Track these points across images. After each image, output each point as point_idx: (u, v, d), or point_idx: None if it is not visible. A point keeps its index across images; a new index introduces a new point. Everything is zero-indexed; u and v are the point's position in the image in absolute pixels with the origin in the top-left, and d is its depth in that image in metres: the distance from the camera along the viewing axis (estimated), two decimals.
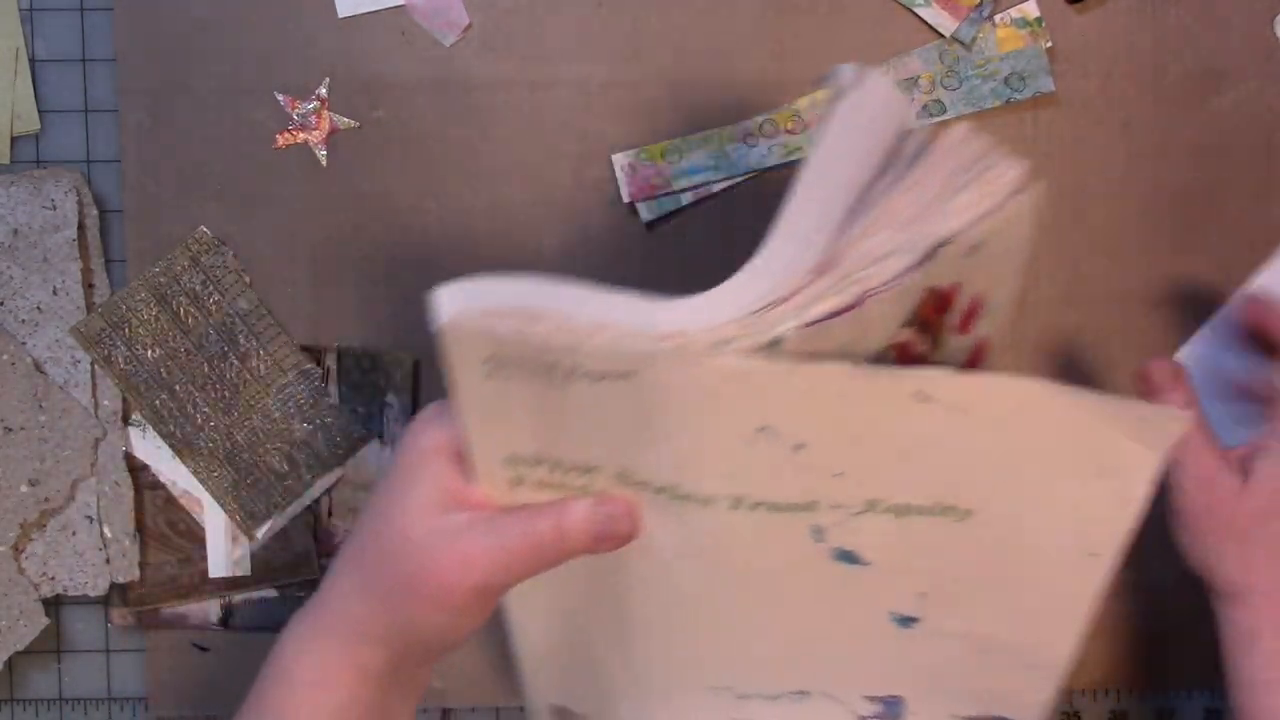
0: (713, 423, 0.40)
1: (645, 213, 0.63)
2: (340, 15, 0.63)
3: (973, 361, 0.45)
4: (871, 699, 0.48)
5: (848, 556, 0.43)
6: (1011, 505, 0.42)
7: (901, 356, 0.42)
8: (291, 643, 0.47)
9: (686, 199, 0.63)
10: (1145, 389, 0.52)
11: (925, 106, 0.63)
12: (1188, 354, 0.65)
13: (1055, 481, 0.41)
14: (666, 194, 0.63)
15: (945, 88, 0.63)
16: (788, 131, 0.63)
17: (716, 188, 0.63)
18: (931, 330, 0.42)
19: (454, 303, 0.39)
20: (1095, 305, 0.65)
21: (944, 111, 0.63)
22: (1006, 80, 0.63)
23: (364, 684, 0.45)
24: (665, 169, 0.63)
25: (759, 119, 0.63)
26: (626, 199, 0.63)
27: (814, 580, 0.44)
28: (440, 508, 0.43)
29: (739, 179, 0.63)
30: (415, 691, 0.49)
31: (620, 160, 0.63)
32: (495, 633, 0.67)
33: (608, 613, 0.47)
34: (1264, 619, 0.51)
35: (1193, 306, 0.65)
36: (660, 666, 0.48)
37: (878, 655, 0.47)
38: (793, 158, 0.63)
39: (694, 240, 0.64)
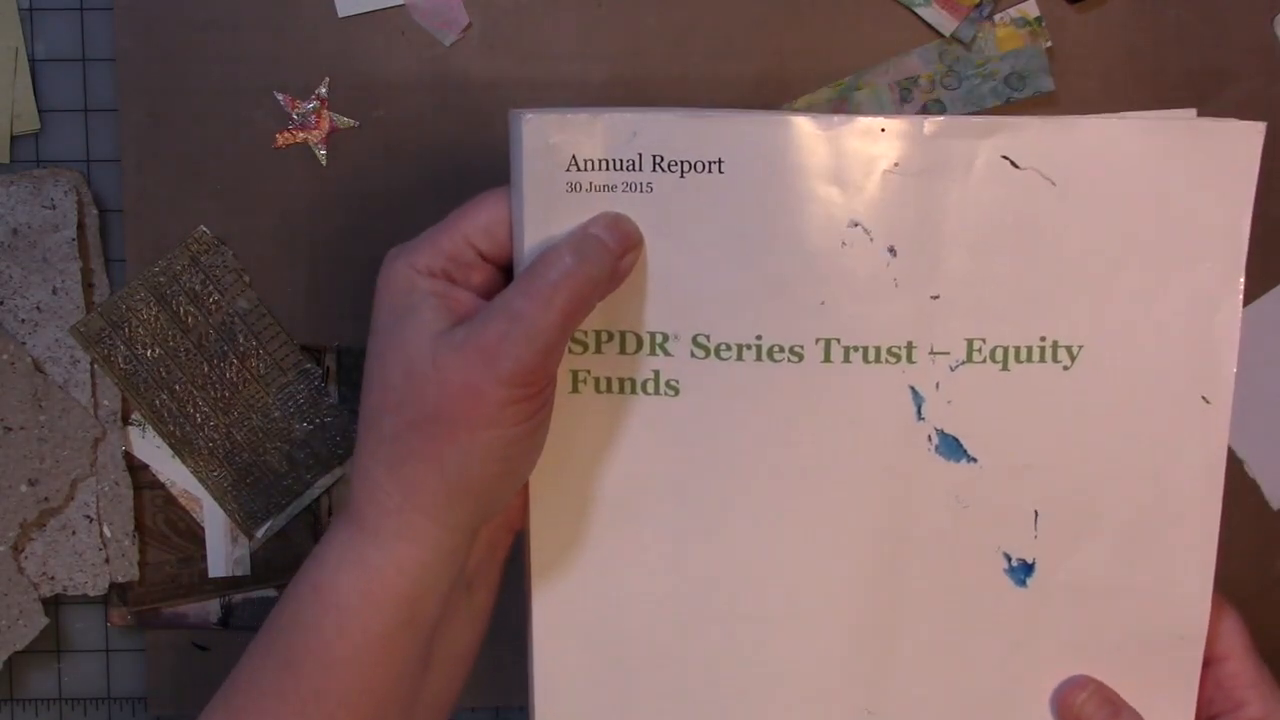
0: (804, 214, 0.38)
1: None
2: (340, 15, 0.63)
3: None
4: None
5: (951, 446, 0.40)
6: (1117, 330, 0.39)
7: None
8: (318, 561, 0.39)
9: None
10: None
11: (925, 106, 0.63)
12: None
13: (1156, 272, 0.39)
14: None
15: (945, 87, 0.63)
16: None
17: None
18: None
19: (538, 114, 0.37)
20: None
21: (944, 111, 0.63)
22: (1006, 80, 0.63)
23: (418, 600, 0.39)
24: None
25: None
26: None
27: (917, 503, 0.40)
28: (442, 325, 0.38)
29: None
30: (479, 613, 0.42)
31: None
32: (495, 633, 0.67)
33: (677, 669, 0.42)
34: None
35: None
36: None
37: (995, 647, 0.42)
38: None
39: None
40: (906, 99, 0.63)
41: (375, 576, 0.38)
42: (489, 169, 0.64)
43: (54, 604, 0.64)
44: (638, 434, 0.40)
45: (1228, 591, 0.66)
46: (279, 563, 0.65)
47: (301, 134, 0.63)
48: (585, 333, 0.40)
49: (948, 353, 0.39)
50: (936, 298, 0.39)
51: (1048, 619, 0.41)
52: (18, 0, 0.63)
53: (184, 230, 0.63)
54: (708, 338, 0.39)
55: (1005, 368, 0.40)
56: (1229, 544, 0.66)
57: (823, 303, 0.39)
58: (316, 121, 0.63)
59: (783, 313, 0.39)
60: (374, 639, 0.38)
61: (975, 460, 0.40)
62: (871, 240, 0.38)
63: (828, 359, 0.39)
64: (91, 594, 0.63)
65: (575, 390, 0.40)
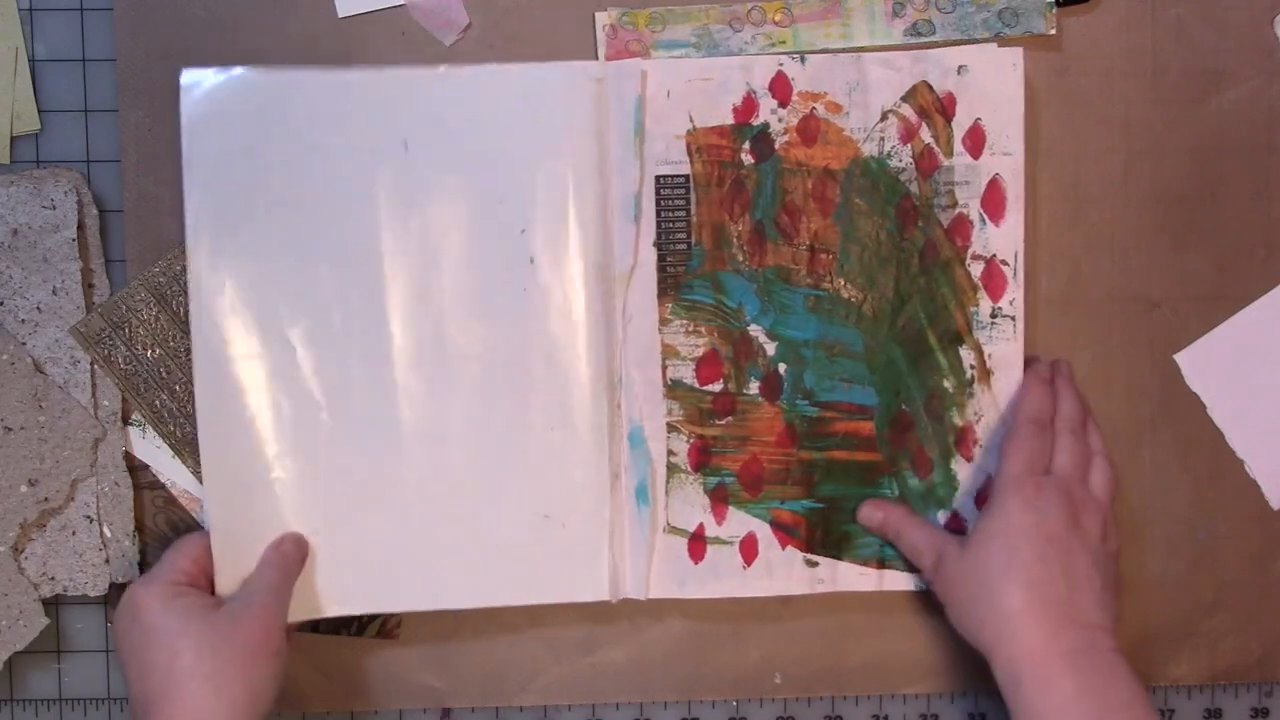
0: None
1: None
2: (340, 15, 0.63)
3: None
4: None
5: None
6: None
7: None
8: None
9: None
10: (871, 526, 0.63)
11: (915, 24, 0.62)
12: (1185, 358, 0.65)
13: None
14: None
15: (939, 9, 0.62)
16: (774, 23, 0.62)
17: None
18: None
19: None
20: (1095, 305, 0.65)
21: (933, 32, 0.62)
22: (1000, 14, 0.62)
23: None
24: (646, 36, 0.62)
25: (749, 4, 0.63)
26: (602, 59, 0.62)
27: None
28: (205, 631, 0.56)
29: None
30: None
31: (602, 19, 0.63)
32: (495, 633, 0.67)
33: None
34: (1015, 671, 0.56)
35: (1193, 306, 0.65)
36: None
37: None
38: (774, 50, 0.62)
39: None
40: (899, 13, 0.62)
41: None
42: None
43: (54, 604, 0.64)
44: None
45: (1228, 591, 0.66)
46: None
47: None
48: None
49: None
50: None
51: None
52: (18, 0, 0.63)
53: (184, 230, 0.63)
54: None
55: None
56: (1229, 544, 0.66)
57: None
58: None
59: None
60: None
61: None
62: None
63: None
64: (92, 594, 0.63)
65: None
